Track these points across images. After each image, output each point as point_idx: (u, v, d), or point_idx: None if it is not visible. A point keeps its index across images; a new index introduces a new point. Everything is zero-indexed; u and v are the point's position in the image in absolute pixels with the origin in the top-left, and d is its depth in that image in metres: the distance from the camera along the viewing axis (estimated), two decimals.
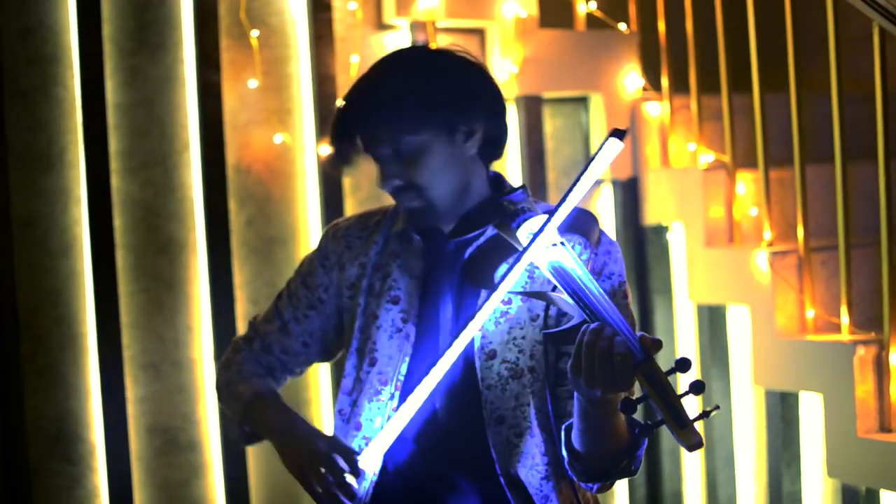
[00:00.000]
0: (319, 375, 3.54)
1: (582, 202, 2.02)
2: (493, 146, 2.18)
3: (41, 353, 3.25)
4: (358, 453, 2.10)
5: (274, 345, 2.34)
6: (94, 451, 3.31)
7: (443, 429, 2.12)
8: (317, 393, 3.56)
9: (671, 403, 1.77)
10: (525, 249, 1.97)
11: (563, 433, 2.06)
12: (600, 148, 1.96)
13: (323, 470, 2.09)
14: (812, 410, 3.42)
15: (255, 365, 2.35)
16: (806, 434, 3.45)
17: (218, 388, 2.39)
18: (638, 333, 1.84)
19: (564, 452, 2.05)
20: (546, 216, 1.99)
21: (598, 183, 3.94)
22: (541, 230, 1.96)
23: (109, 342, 3.30)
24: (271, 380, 2.37)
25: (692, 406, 3.60)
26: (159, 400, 3.40)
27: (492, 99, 2.16)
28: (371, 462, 2.11)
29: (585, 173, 1.97)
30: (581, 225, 2.09)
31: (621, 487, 3.92)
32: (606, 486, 2.06)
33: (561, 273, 1.93)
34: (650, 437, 2.02)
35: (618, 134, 1.96)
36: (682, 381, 3.62)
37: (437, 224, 2.16)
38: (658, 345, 1.82)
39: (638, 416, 2.02)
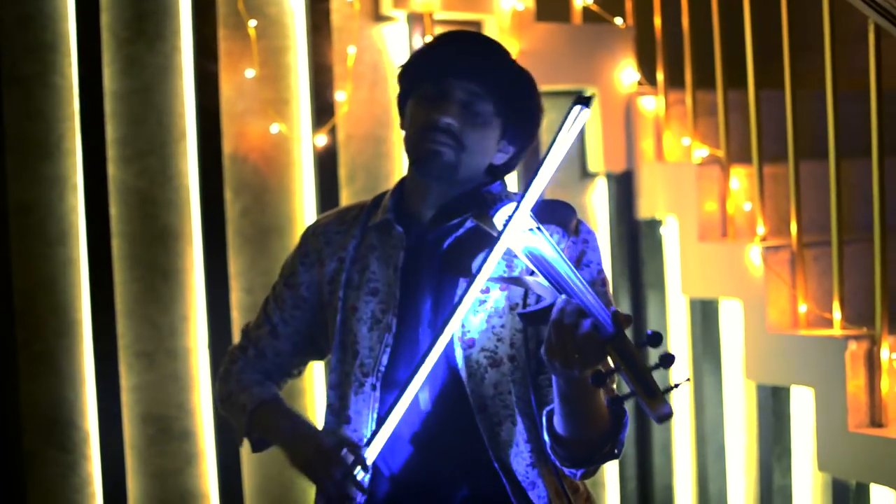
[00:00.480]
0: (314, 365, 3.55)
1: (570, 194, 2.04)
2: (496, 171, 2.23)
3: (36, 340, 3.26)
4: (364, 447, 2.11)
5: (266, 349, 2.35)
6: (88, 438, 3.32)
7: (428, 420, 2.13)
8: (310, 384, 3.57)
9: (640, 375, 1.81)
10: (500, 234, 1.99)
11: (544, 418, 2.08)
12: (565, 118, 1.99)
13: (332, 468, 2.11)
14: (803, 405, 3.44)
15: (252, 372, 2.36)
16: (797, 428, 3.47)
17: (221, 402, 2.39)
18: (611, 308, 1.87)
19: (546, 437, 2.07)
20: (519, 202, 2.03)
21: (592, 176, 3.96)
22: (514, 212, 1.99)
23: (104, 330, 3.32)
24: (271, 384, 2.38)
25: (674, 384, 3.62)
26: (153, 389, 3.41)
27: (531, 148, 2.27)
28: (375, 454, 2.13)
29: (554, 146, 1.99)
30: (558, 215, 2.11)
31: (612, 481, 3.94)
32: (590, 471, 2.07)
33: (537, 258, 1.95)
34: (620, 410, 2.02)
35: (583, 101, 1.99)
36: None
37: (444, 175, 2.15)
38: (629, 320, 1.85)
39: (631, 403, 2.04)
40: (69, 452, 3.30)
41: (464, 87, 2.12)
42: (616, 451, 2.04)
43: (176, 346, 3.42)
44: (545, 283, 1.92)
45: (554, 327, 1.86)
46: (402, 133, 2.22)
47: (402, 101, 2.23)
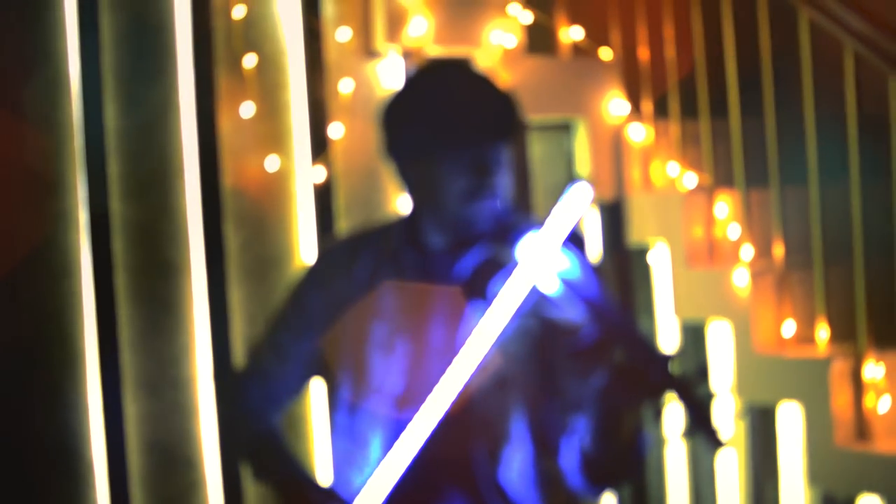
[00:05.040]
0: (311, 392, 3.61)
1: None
2: None
3: (42, 373, 3.31)
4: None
5: (272, 369, 2.36)
6: (94, 468, 3.37)
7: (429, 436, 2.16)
8: (309, 409, 3.62)
9: (696, 408, 1.94)
10: (523, 260, 2.02)
11: (576, 442, 2.10)
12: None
13: None
14: (792, 422, 3.50)
15: (255, 398, 2.38)
16: (786, 444, 3.53)
17: (225, 426, 2.44)
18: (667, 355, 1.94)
19: (576, 460, 2.09)
20: (539, 230, 2.07)
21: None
22: (537, 243, 2.01)
23: (109, 362, 3.36)
24: (273, 410, 2.39)
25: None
26: (158, 418, 3.46)
27: None
28: None
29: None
30: (573, 239, 2.15)
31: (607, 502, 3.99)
32: (609, 491, 2.14)
33: (569, 283, 1.99)
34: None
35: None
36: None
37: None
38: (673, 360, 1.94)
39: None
40: (75, 482, 3.35)
41: (498, 147, 2.13)
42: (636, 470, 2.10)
43: (179, 376, 3.47)
44: (575, 307, 1.96)
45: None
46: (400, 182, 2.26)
47: (405, 154, 2.23)
